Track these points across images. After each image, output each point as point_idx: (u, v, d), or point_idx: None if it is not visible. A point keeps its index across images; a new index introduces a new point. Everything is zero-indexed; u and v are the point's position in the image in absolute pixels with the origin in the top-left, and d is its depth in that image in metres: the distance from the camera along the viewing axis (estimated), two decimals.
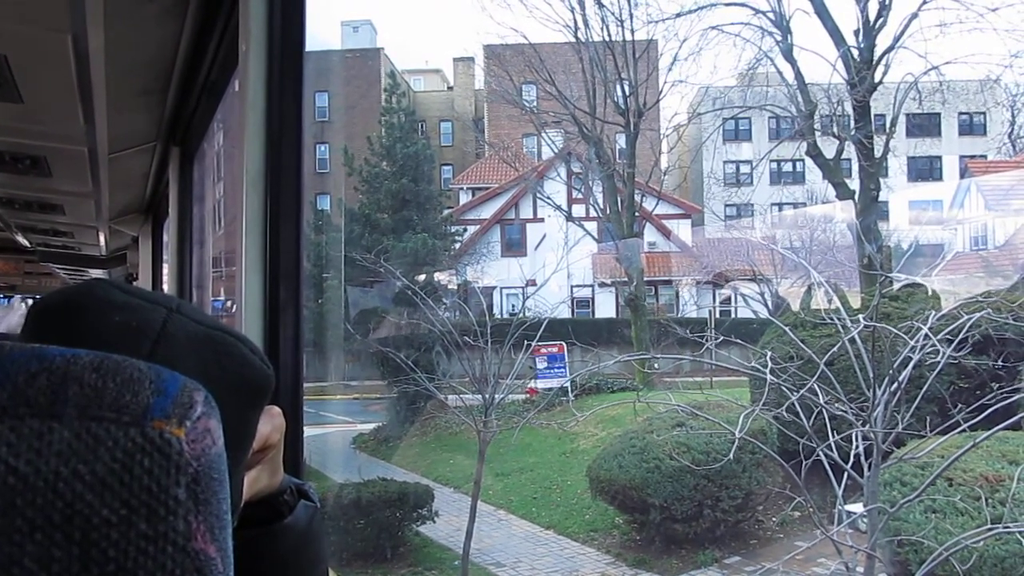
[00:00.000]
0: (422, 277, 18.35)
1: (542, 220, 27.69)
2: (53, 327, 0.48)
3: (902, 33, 16.41)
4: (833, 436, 5.44)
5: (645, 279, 21.08)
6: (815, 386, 5.66)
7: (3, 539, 0.32)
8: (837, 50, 16.54)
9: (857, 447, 5.42)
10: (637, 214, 20.27)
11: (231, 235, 1.53)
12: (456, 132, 37.31)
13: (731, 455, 6.68)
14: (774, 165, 30.14)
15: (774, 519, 9.89)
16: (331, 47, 33.96)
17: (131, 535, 0.34)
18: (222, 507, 0.38)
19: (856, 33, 16.47)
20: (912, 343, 5.52)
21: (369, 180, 22.03)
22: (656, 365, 15.96)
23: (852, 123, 16.94)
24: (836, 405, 5.62)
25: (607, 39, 19.50)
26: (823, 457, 5.44)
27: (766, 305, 18.95)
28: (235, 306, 1.41)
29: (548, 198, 23.42)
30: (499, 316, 17.83)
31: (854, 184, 17.54)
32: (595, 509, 10.50)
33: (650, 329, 18.21)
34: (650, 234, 25.67)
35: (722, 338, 9.05)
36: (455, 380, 10.99)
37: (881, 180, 17.91)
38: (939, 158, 33.04)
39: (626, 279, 20.62)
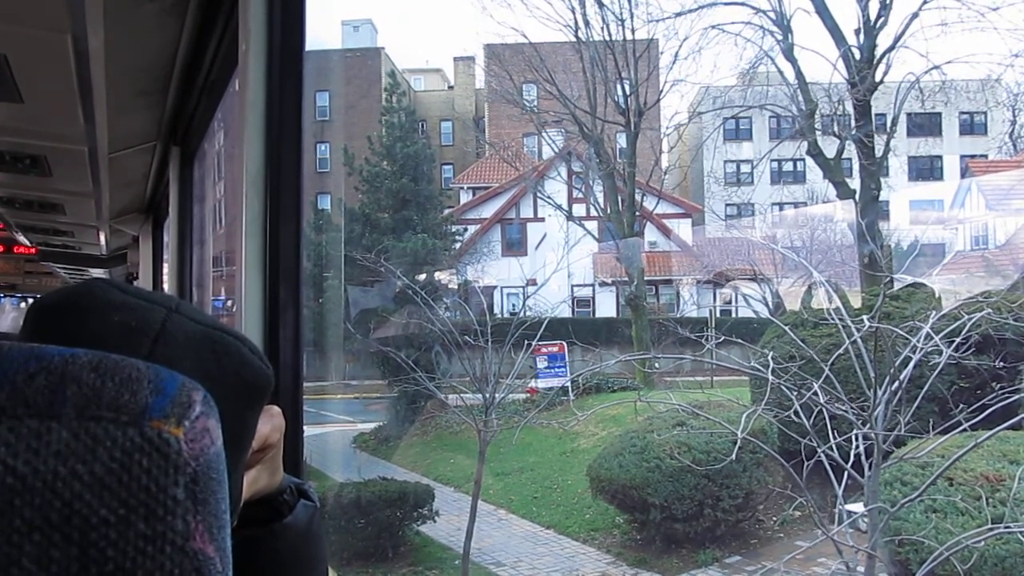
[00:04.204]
0: (422, 276, 18.35)
1: (542, 219, 27.69)
2: (52, 326, 0.48)
3: (903, 32, 16.41)
4: (834, 436, 5.43)
5: (646, 278, 21.08)
6: (816, 386, 5.65)
7: (1, 539, 0.32)
8: (838, 49, 16.53)
9: (858, 447, 5.41)
10: (637, 213, 20.26)
11: (231, 235, 1.53)
12: (456, 131, 37.28)
13: (732, 455, 6.68)
14: (775, 164, 30.10)
15: (775, 518, 9.89)
16: (331, 46, 33.97)
17: (129, 535, 0.34)
18: (221, 507, 0.38)
19: (857, 32, 16.47)
20: (913, 342, 5.52)
21: (369, 180, 22.03)
22: (656, 364, 15.95)
23: (853, 122, 16.93)
24: (837, 405, 5.61)
25: (607, 38, 19.50)
26: (824, 457, 5.44)
27: (767, 305, 18.93)
28: (235, 305, 1.41)
29: (548, 197, 23.41)
30: (499, 315, 17.84)
31: (855, 183, 17.53)
32: (595, 508, 10.50)
33: (650, 328, 18.21)
34: (651, 233, 25.67)
35: (723, 337, 9.05)
36: (455, 379, 10.99)
37: (882, 179, 17.89)
38: (940, 157, 33.01)
39: (627, 278, 20.63)
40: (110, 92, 2.20)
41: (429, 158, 23.18)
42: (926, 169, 33.00)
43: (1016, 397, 6.35)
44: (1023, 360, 8.13)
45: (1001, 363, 7.49)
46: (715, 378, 13.56)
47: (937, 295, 10.35)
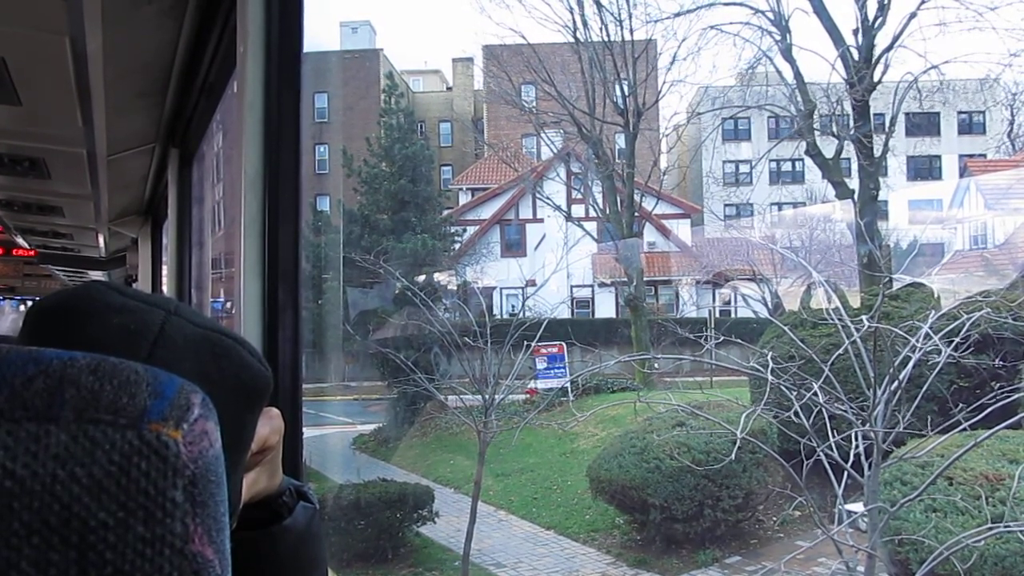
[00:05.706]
0: (422, 278, 18.35)
1: (541, 220, 27.68)
2: (51, 330, 0.48)
3: (901, 32, 16.43)
4: (833, 436, 5.43)
5: (645, 279, 21.08)
6: (815, 386, 5.65)
7: (1, 543, 0.32)
8: (836, 49, 16.54)
9: (857, 446, 5.41)
10: (636, 214, 20.27)
11: (230, 236, 1.53)
12: (455, 133, 37.26)
13: (732, 455, 6.68)
14: (773, 164, 30.09)
15: (774, 519, 9.89)
16: (330, 48, 33.95)
17: (128, 538, 0.34)
18: (220, 509, 0.38)
19: (855, 32, 16.48)
20: (912, 342, 5.52)
21: (368, 181, 22.00)
22: (656, 365, 15.95)
23: (851, 122, 16.94)
24: (836, 405, 5.61)
25: (606, 39, 19.52)
26: (823, 457, 5.44)
27: (766, 305, 18.94)
28: (234, 307, 1.41)
29: (547, 198, 23.42)
30: (499, 316, 17.84)
31: (853, 183, 17.53)
32: (595, 509, 10.49)
33: (650, 329, 18.21)
34: (649, 234, 25.66)
35: (722, 338, 9.05)
36: (455, 381, 11.00)
37: (880, 179, 17.90)
38: (938, 157, 33.02)
39: (626, 279, 20.64)
40: (108, 94, 2.20)
41: (428, 159, 23.13)
42: (925, 169, 33.00)
43: (1015, 396, 6.34)
44: (1022, 359, 8.14)
45: (1000, 362, 7.50)
46: (714, 378, 13.55)
47: (936, 295, 10.36)
